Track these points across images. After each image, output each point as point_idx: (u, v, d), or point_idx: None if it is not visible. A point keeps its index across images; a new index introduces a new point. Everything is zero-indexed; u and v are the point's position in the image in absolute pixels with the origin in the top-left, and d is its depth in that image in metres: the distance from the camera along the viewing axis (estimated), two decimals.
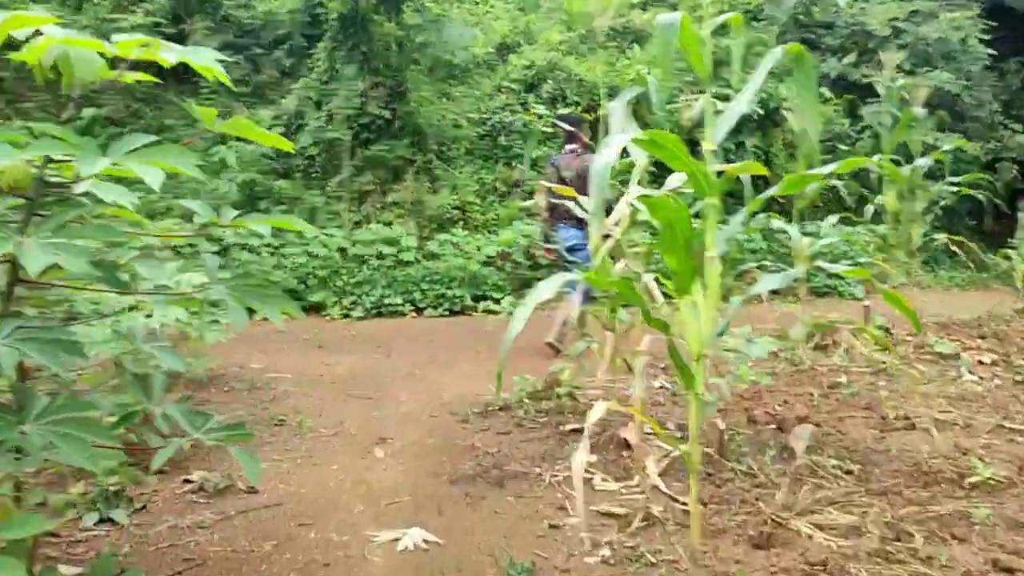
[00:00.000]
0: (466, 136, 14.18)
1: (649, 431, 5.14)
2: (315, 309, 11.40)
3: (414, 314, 11.39)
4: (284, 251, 11.75)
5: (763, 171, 4.07)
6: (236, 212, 2.87)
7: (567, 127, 8.02)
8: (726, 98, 4.07)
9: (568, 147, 7.89)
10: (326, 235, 11.75)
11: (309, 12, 14.53)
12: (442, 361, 8.04)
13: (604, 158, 3.38)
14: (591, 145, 7.58)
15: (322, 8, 13.96)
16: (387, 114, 13.21)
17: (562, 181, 7.42)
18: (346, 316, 11.15)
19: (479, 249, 12.18)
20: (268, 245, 11.77)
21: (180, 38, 14.54)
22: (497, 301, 11.80)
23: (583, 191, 5.02)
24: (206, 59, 2.57)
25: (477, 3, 17.82)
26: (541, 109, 14.49)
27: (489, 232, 13.27)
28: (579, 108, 14.49)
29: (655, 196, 3.60)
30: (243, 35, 14.74)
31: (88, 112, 11.03)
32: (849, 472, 4.68)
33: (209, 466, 4.69)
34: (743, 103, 3.78)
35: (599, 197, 3.24)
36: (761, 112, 14.40)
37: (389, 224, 12.81)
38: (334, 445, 5.28)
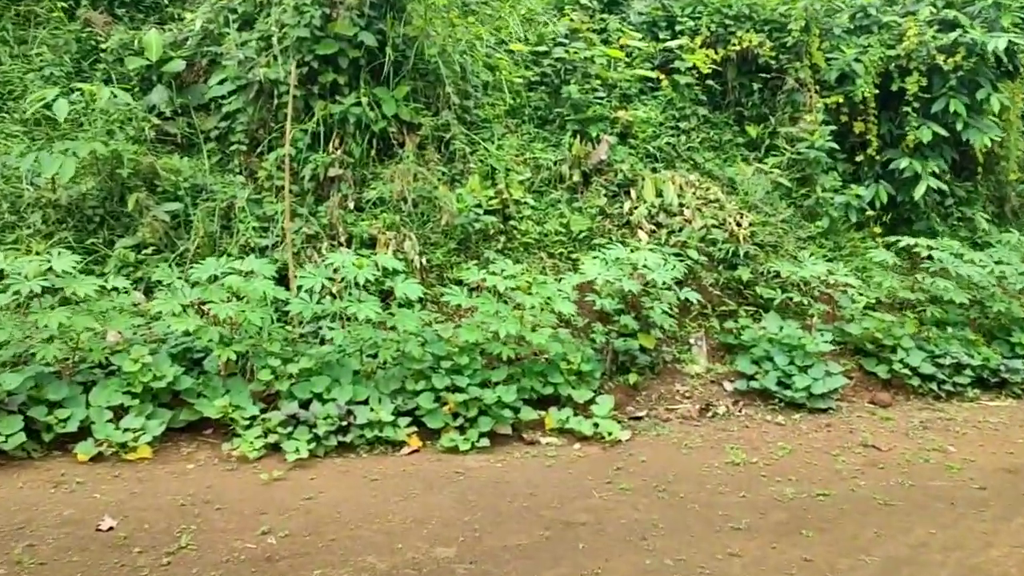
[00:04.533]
0: (508, 84, 8.18)
1: None
2: (216, 429, 5.50)
3: (418, 443, 5.50)
4: (155, 303, 5.77)
5: None
6: None
7: None
8: None
9: None
10: (240, 272, 5.77)
11: None
12: None
13: None
14: None
15: None
16: (370, 40, 7.20)
17: None
18: (275, 448, 5.26)
19: (535, 293, 6.15)
20: (123, 288, 5.82)
21: None
22: (582, 408, 5.93)
23: None
24: None
25: None
26: (636, 40, 8.50)
27: (552, 258, 7.35)
28: (700, 41, 8.50)
29: None
30: None
31: None
32: None
33: None
34: None
35: None
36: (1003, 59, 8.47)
37: (370, 244, 6.86)
38: None
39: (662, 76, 8.49)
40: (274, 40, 7.33)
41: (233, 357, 5.59)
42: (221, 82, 7.61)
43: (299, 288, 5.97)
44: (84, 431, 5.24)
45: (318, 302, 5.94)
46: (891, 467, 5.36)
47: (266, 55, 7.40)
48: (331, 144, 7.29)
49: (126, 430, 5.21)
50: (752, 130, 8.61)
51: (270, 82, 7.32)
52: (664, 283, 6.49)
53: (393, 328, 5.88)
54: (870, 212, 8.47)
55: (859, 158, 8.68)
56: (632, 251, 6.68)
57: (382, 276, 6.10)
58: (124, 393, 5.37)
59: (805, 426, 6.16)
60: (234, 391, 5.60)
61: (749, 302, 7.50)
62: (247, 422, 5.41)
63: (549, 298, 6.08)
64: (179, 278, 5.97)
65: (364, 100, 7.26)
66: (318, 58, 7.22)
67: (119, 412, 5.34)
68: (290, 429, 5.37)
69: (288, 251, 6.66)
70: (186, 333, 5.69)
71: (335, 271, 5.90)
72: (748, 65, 8.64)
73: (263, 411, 5.53)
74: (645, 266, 6.50)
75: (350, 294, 5.95)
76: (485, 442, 5.51)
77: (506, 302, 6.10)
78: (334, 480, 4.94)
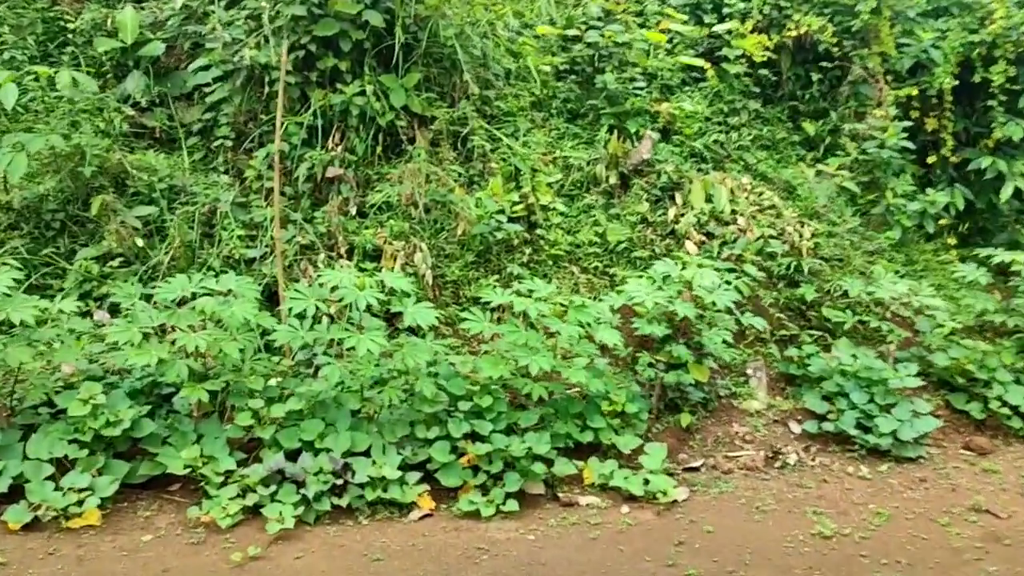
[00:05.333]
0: (535, 71, 7.17)
1: None
2: (185, 483, 4.50)
3: (430, 505, 4.49)
4: (112, 330, 4.75)
5: None
6: None
7: None
8: None
9: None
10: (216, 293, 4.76)
11: None
12: None
13: None
14: None
15: None
16: (377, 20, 6.20)
17: None
18: (254, 511, 4.26)
19: (571, 319, 5.13)
20: (70, 313, 4.82)
21: None
22: (628, 459, 4.92)
23: None
24: None
25: None
26: (679, 24, 7.48)
27: (586, 272, 6.34)
28: (751, 26, 7.47)
29: None
30: None
31: None
32: None
33: None
34: None
35: None
36: None
37: (374, 256, 5.87)
38: None
39: (708, 65, 7.45)
40: (265, 19, 6.32)
41: (205, 397, 4.58)
42: (205, 67, 6.62)
43: (289, 310, 4.94)
44: (19, 490, 4.26)
45: (311, 328, 4.93)
46: (1019, 543, 4.32)
47: (256, 36, 6.40)
48: (330, 140, 6.30)
49: (68, 490, 4.21)
50: (809, 127, 7.57)
51: (260, 67, 6.34)
52: (725, 306, 5.46)
53: (397, 359, 4.86)
54: (944, 220, 7.43)
55: (930, 159, 7.63)
56: (682, 267, 5.65)
57: (388, 296, 5.07)
58: (69, 442, 4.37)
59: (895, 481, 5.12)
60: (207, 438, 4.61)
61: (812, 325, 6.46)
62: (221, 478, 4.41)
63: (589, 324, 5.06)
64: (145, 297, 4.99)
65: (369, 89, 6.25)
66: (316, 40, 6.22)
67: (64, 465, 4.35)
68: (273, 488, 4.36)
69: (278, 264, 5.67)
70: (148, 369, 4.71)
71: (332, 291, 4.88)
72: (806, 53, 7.59)
73: (241, 463, 4.53)
74: (700, 285, 5.47)
75: (349, 319, 4.93)
76: (513, 504, 4.49)
77: (536, 328, 5.07)
78: (325, 560, 3.93)
